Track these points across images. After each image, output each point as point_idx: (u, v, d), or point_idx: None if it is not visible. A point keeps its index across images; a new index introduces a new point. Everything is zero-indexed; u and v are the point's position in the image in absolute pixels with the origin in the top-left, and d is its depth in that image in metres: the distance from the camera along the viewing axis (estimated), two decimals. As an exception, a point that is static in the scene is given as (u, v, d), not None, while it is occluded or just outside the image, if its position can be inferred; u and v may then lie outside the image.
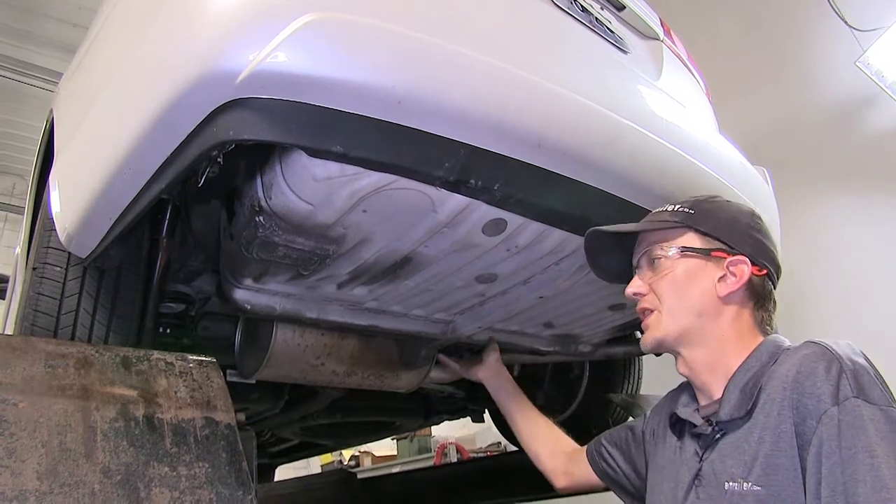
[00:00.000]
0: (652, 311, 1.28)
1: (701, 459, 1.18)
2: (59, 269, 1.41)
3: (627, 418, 2.55)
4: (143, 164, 1.11)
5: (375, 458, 7.67)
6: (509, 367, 2.72)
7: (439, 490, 3.18)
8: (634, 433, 1.48)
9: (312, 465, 7.55)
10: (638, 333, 2.31)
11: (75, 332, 1.39)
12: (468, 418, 3.16)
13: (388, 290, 1.58)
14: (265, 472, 4.41)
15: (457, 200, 1.25)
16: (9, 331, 1.93)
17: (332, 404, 2.37)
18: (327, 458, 7.40)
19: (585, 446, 1.59)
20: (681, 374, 1.29)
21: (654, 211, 1.37)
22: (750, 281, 1.23)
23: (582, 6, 1.63)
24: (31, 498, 0.90)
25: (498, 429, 3.19)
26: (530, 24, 1.43)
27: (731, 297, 1.23)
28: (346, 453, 7.59)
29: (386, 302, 1.65)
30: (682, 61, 2.06)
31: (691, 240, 1.27)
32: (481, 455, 6.17)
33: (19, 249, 2.69)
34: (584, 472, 1.56)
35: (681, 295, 1.24)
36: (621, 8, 1.85)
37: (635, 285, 1.31)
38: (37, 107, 6.92)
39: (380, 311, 1.69)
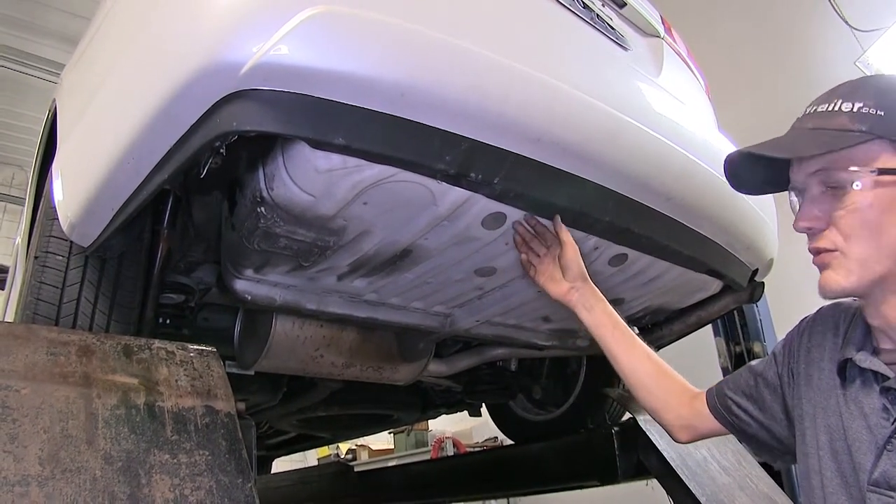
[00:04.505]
0: (832, 251, 1.00)
1: (895, 420, 0.97)
2: (60, 257, 1.42)
3: (624, 413, 2.57)
4: (145, 154, 1.12)
5: (372, 452, 7.70)
6: (507, 362, 2.76)
7: (436, 484, 3.19)
8: (766, 378, 1.24)
9: (309, 458, 7.58)
10: (636, 329, 2.32)
11: (77, 321, 1.40)
12: (465, 412, 3.18)
13: (388, 283, 1.59)
14: (262, 465, 4.42)
15: (457, 194, 1.26)
16: (9, 320, 1.94)
17: (331, 396, 2.39)
18: (324, 451, 7.41)
19: (706, 396, 1.35)
20: (871, 323, 1.05)
21: (816, 109, 1.03)
22: None
23: (583, 3, 1.63)
24: (33, 483, 0.91)
25: (495, 423, 3.21)
26: (533, 20, 1.44)
27: None
28: (343, 447, 7.61)
29: (385, 294, 1.66)
30: (683, 59, 2.07)
31: (887, 157, 0.95)
32: (478, 449, 6.19)
33: (20, 239, 2.70)
34: (710, 427, 1.34)
35: (876, 235, 0.96)
36: (622, 5, 1.85)
37: (809, 217, 1.02)
38: (37, 98, 6.89)
39: (379, 304, 1.70)
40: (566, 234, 1.47)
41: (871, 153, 0.96)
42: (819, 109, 1.03)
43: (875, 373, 1.01)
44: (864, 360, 1.02)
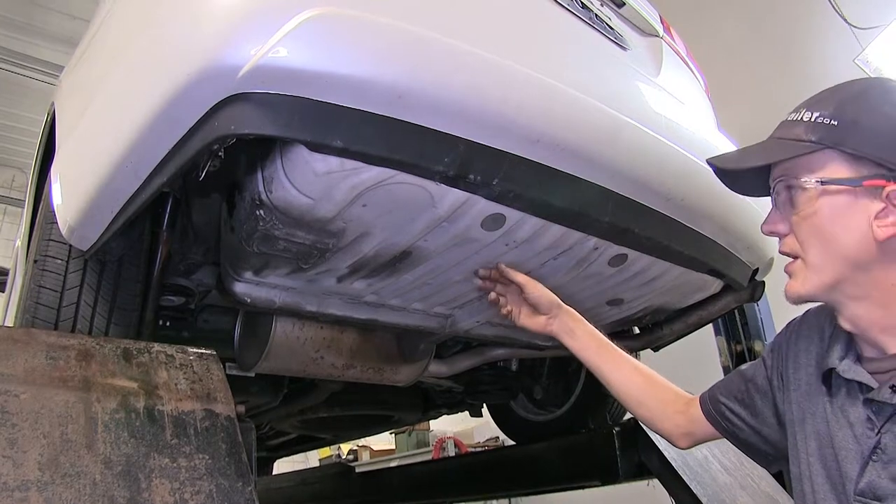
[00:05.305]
0: (795, 258, 1.03)
1: (879, 431, 0.96)
2: (60, 261, 1.41)
3: (625, 413, 2.56)
4: (144, 157, 1.12)
5: (373, 452, 7.70)
6: (508, 362, 2.76)
7: (437, 484, 3.19)
8: (757, 383, 1.24)
9: (311, 459, 7.58)
10: (636, 329, 2.32)
11: (76, 325, 1.40)
12: (467, 412, 3.18)
13: (388, 284, 1.58)
14: (263, 466, 4.42)
15: (456, 195, 1.25)
16: (9, 323, 1.94)
17: (331, 398, 2.38)
18: (325, 451, 7.42)
19: (699, 401, 1.35)
20: (846, 330, 1.05)
21: (787, 118, 1.05)
22: None
23: (582, 3, 1.63)
24: (32, 488, 0.91)
25: (496, 423, 3.21)
26: (531, 21, 1.44)
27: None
28: (345, 447, 7.61)
29: (385, 296, 1.66)
30: (682, 58, 2.07)
31: (835, 167, 0.97)
32: (479, 449, 6.19)
33: (20, 242, 2.70)
34: (707, 432, 1.34)
35: (825, 243, 0.98)
36: (621, 4, 1.85)
37: (771, 222, 1.07)
38: (36, 100, 6.90)
39: (379, 305, 1.70)
40: (517, 276, 1.52)
41: (819, 163, 0.98)
42: (789, 118, 1.05)
43: (859, 383, 1.01)
44: (848, 370, 1.03)
